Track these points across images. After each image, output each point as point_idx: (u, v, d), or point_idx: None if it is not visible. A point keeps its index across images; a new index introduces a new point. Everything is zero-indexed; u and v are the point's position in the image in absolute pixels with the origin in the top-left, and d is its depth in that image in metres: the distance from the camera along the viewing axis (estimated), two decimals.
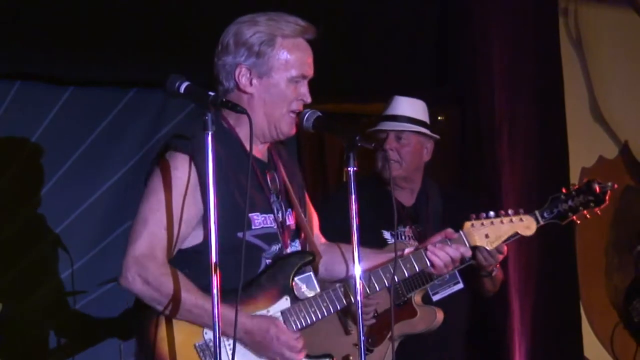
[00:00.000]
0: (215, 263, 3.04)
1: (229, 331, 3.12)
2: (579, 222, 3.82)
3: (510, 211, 3.63)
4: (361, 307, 3.25)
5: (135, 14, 5.17)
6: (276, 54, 3.35)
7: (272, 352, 3.31)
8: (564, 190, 3.78)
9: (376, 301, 4.25)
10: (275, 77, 3.36)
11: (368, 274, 3.47)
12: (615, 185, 3.83)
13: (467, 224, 3.57)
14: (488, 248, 3.65)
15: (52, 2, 5.02)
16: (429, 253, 3.51)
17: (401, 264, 3.51)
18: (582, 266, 6.26)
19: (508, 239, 3.65)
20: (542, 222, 3.84)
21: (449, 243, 3.53)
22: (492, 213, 3.60)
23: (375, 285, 3.48)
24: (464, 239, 3.54)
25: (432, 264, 3.51)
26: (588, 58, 6.75)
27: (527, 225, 3.64)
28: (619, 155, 6.82)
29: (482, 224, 3.59)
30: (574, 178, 6.32)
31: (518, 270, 5.95)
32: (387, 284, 3.49)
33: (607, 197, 3.77)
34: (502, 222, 3.61)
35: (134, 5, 5.16)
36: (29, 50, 5.09)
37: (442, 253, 3.50)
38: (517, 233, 3.64)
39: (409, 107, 4.79)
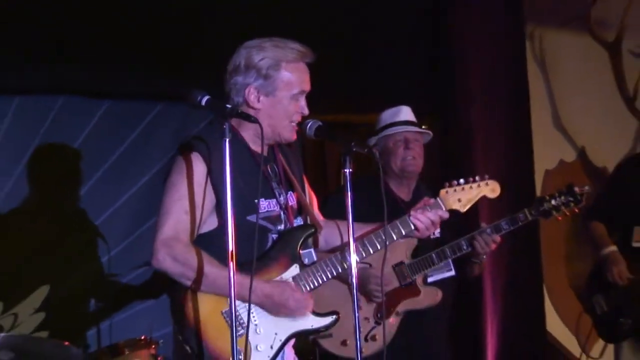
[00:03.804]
0: (232, 251, 3.07)
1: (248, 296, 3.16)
2: (560, 218, 3.86)
3: (477, 177, 3.65)
4: (356, 297, 3.26)
5: (163, 38, 5.22)
6: (280, 76, 3.38)
7: (289, 309, 3.35)
8: (547, 195, 3.90)
9: (385, 284, 4.29)
10: (279, 96, 3.39)
11: (362, 240, 3.51)
12: (590, 189, 3.89)
13: (442, 192, 3.60)
14: (461, 210, 3.64)
15: (92, 26, 5.05)
16: (412, 217, 3.55)
17: (389, 230, 3.54)
18: (546, 254, 6.31)
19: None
20: (530, 218, 3.89)
21: (429, 209, 3.56)
22: (462, 180, 3.63)
23: (369, 248, 3.52)
24: (441, 203, 3.58)
25: (416, 227, 3.55)
26: (550, 76, 6.82)
27: (492, 189, 3.67)
28: (577, 159, 6.89)
29: (455, 190, 3.61)
30: (538, 178, 6.42)
31: (490, 257, 5.98)
32: (378, 247, 3.52)
33: (584, 198, 3.83)
34: (471, 187, 3.63)
35: (163, 31, 5.22)
36: (71, 68, 5.12)
37: (422, 217, 3.54)
38: (485, 196, 3.66)
39: (410, 114, 4.81)
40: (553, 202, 3.89)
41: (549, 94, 6.81)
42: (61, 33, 5.03)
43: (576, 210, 3.92)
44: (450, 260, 4.55)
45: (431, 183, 5.12)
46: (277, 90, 3.39)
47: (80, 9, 5.02)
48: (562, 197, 3.90)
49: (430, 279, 4.60)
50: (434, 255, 4.38)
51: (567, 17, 6.77)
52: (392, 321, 4.40)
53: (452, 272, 4.62)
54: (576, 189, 3.88)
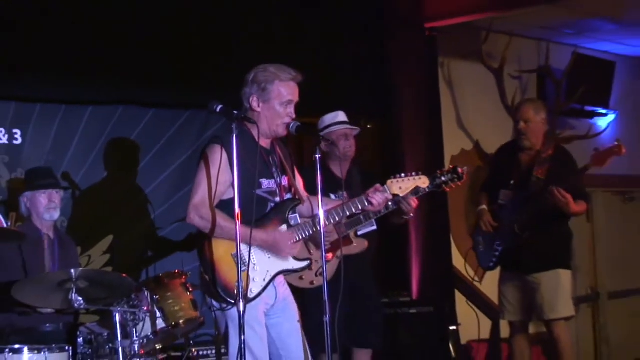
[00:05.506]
0: (238, 213, 3.12)
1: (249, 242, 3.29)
2: (448, 190, 3.85)
3: (413, 173, 3.69)
4: (324, 240, 3.33)
5: (192, 64, 5.26)
6: (273, 89, 3.42)
7: (280, 247, 3.43)
8: (439, 172, 3.90)
9: (328, 236, 4.33)
10: (272, 103, 3.44)
11: (331, 211, 3.54)
12: (470, 168, 3.88)
13: (388, 181, 3.61)
14: (401, 195, 3.64)
15: (142, 55, 5.06)
16: (369, 197, 3.58)
17: (350, 205, 3.59)
18: (452, 212, 6.42)
19: (412, 189, 3.62)
20: (427, 190, 3.89)
21: (379, 192, 3.55)
22: (403, 174, 3.67)
23: (331, 219, 3.57)
24: (387, 189, 3.62)
25: (371, 204, 3.59)
26: (455, 92, 7.01)
27: (423, 182, 3.70)
28: (474, 148, 7.11)
29: (397, 180, 3.62)
30: (447, 160, 6.60)
31: (415, 213, 6.00)
32: (337, 219, 3.60)
33: (465, 175, 3.82)
34: (408, 179, 3.64)
35: (192, 60, 5.27)
36: (128, 86, 5.13)
37: (376, 196, 3.59)
38: (417, 186, 3.68)
39: (345, 117, 4.75)
40: (443, 178, 3.88)
41: (454, 104, 6.90)
42: (121, 60, 5.09)
43: (459, 184, 3.89)
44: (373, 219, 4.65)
45: (372, 167, 5.15)
46: (271, 99, 3.45)
47: (134, 44, 5.10)
48: (449, 175, 3.89)
49: (359, 232, 4.68)
50: (361, 216, 4.45)
51: (466, 51, 6.87)
52: (334, 262, 4.42)
53: (374, 227, 4.69)
54: (459, 169, 3.87)
